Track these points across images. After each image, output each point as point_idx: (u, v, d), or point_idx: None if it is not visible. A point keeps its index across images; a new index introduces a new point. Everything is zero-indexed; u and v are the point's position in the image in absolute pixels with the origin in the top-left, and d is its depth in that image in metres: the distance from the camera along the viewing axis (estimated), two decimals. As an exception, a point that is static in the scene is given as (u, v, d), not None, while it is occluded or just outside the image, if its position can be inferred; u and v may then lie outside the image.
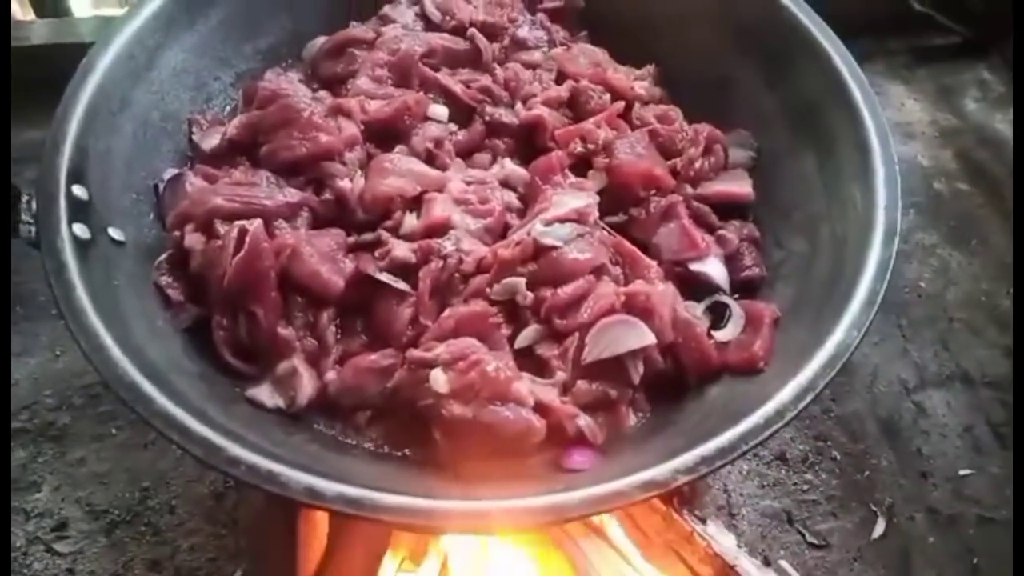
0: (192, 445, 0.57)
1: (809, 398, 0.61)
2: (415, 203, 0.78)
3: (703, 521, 1.01)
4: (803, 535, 1.19)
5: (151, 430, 1.20)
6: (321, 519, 0.99)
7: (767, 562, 1.11)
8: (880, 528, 1.20)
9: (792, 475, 1.25)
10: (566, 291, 0.70)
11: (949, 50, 1.88)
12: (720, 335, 0.75)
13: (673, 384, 0.73)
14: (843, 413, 1.32)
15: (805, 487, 1.24)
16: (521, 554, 0.95)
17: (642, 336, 0.69)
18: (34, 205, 0.66)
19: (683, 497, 1.02)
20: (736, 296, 0.79)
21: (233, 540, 1.13)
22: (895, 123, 1.78)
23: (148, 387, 0.59)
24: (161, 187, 0.79)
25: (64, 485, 1.19)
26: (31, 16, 1.71)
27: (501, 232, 0.77)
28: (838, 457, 1.27)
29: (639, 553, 0.98)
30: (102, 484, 1.19)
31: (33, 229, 0.65)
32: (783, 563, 1.02)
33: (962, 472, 1.26)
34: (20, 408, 1.25)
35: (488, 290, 0.71)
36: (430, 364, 0.66)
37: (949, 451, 1.29)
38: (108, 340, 0.60)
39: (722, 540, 0.99)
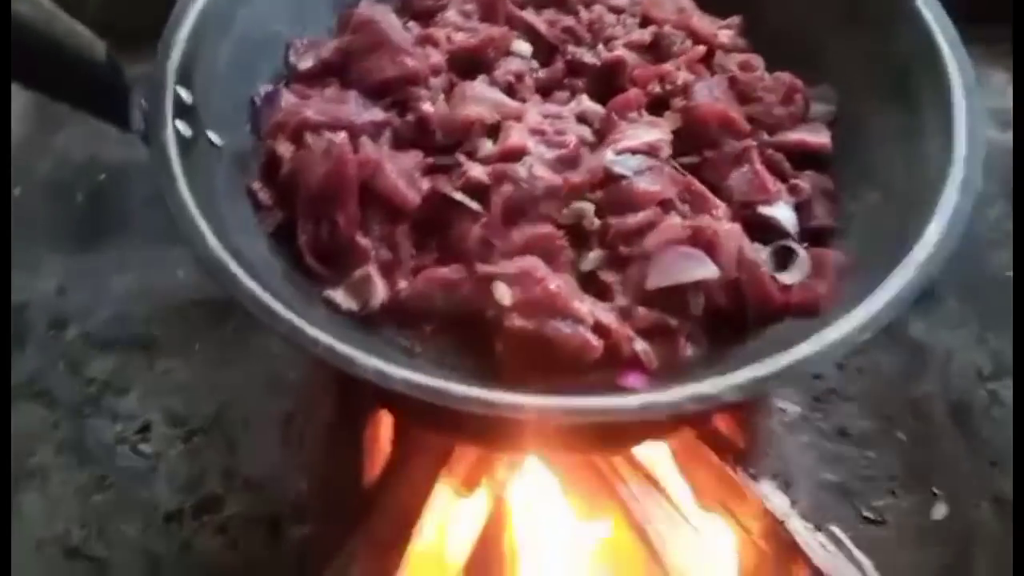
0: (277, 324, 0.61)
1: (868, 334, 0.61)
2: (493, 130, 0.81)
3: (755, 479, 1.01)
4: (859, 510, 1.18)
5: (232, 348, 1.28)
6: (384, 439, 1.04)
7: (819, 528, 1.11)
8: (941, 511, 1.17)
9: (853, 450, 1.24)
10: (633, 219, 0.72)
11: (1061, 37, 1.80)
12: (784, 277, 0.75)
13: (734, 322, 0.74)
14: (912, 394, 1.29)
15: (865, 463, 1.23)
16: (574, 495, 0.98)
17: (705, 268, 0.70)
18: (144, 101, 0.72)
19: (738, 454, 1.02)
20: (805, 244, 0.79)
21: (300, 457, 1.19)
22: (994, 110, 1.71)
23: (239, 271, 0.64)
24: (258, 101, 0.84)
25: (150, 393, 1.27)
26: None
27: (574, 163, 0.79)
28: (903, 438, 1.25)
29: (694, 504, 1.00)
30: (184, 395, 1.27)
31: (143, 124, 0.71)
32: (835, 529, 1.02)
33: (1033, 464, 1.22)
34: (114, 318, 1.34)
35: (556, 214, 0.73)
36: (495, 278, 0.69)
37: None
38: (206, 229, 0.65)
39: (774, 499, 0.99)
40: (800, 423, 1.27)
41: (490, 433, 0.81)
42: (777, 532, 0.94)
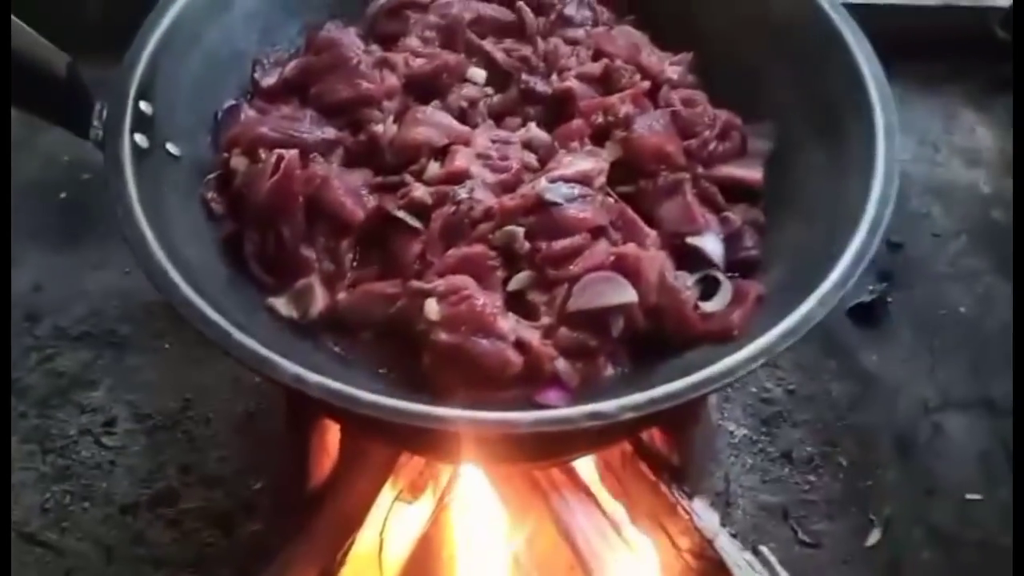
0: (206, 328, 0.65)
1: (761, 360, 0.65)
2: (441, 153, 0.85)
3: (689, 497, 1.04)
4: (796, 532, 1.22)
5: (199, 347, 1.31)
6: (332, 444, 1.07)
7: (753, 550, 1.14)
8: (875, 536, 1.21)
9: (795, 474, 1.28)
10: (561, 244, 0.76)
11: (1031, 80, 1.84)
12: (707, 306, 0.79)
13: (655, 345, 0.78)
14: (857, 422, 1.33)
15: (806, 487, 1.27)
16: (510, 501, 1.02)
17: (625, 293, 0.74)
18: (104, 112, 0.76)
19: (674, 472, 1.06)
20: (733, 274, 0.83)
21: (257, 456, 1.23)
22: (963, 148, 1.76)
23: (177, 276, 0.68)
24: (220, 114, 0.88)
25: (117, 387, 1.32)
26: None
27: (515, 188, 0.82)
28: (844, 463, 1.29)
29: (626, 515, 1.03)
30: (150, 391, 1.31)
31: (101, 133, 0.75)
32: (764, 549, 1.05)
33: (970, 496, 1.26)
34: (88, 314, 1.39)
35: (490, 236, 0.77)
36: (427, 294, 0.73)
37: (960, 474, 1.28)
38: (148, 232, 0.69)
39: (704, 516, 1.02)
40: (746, 444, 1.31)
41: (425, 442, 0.84)
42: (705, 550, 0.98)
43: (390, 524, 1.02)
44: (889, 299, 1.48)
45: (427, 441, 0.80)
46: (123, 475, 1.22)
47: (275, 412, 1.25)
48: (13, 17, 0.67)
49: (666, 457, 1.04)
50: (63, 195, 1.54)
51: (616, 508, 1.00)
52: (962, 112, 1.84)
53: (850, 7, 0.89)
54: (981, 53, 1.84)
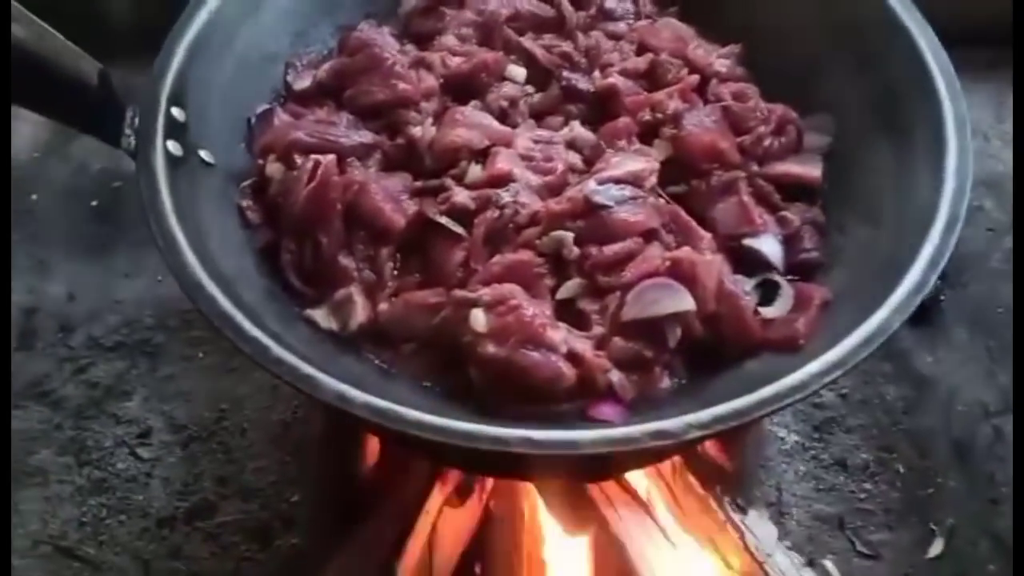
0: (243, 343, 0.62)
1: (836, 373, 0.61)
2: (482, 155, 0.81)
3: (743, 511, 1.00)
4: (853, 543, 1.16)
5: (235, 356, 1.29)
6: (373, 451, 1.04)
7: (811, 562, 1.09)
8: (938, 547, 1.15)
9: (850, 482, 1.22)
10: (612, 249, 0.72)
11: (1086, 66, 1.76)
12: (767, 312, 0.75)
13: (713, 354, 0.74)
14: (914, 427, 1.28)
15: (863, 496, 1.21)
16: (562, 515, 0.98)
17: (682, 301, 0.70)
18: (136, 120, 0.73)
19: (726, 482, 1.02)
20: (793, 278, 0.79)
21: (295, 467, 1.21)
22: (1012, 140, 1.69)
23: (213, 288, 0.65)
24: (253, 120, 0.85)
25: (152, 397, 1.30)
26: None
27: (560, 190, 0.79)
28: (902, 471, 1.23)
29: (678, 530, 0.99)
30: (186, 401, 1.29)
31: (133, 141, 0.73)
32: (827, 563, 1.00)
33: (1037, 504, 1.19)
34: (121, 323, 1.37)
35: (537, 242, 0.74)
36: (472, 304, 0.70)
37: (1026, 480, 1.22)
38: (183, 241, 0.67)
39: (759, 532, 0.98)
40: (798, 452, 1.25)
41: (475, 459, 0.81)
42: (757, 571, 0.93)
43: (439, 530, 0.99)
44: (943, 297, 1.42)
45: (477, 458, 0.77)
46: (159, 487, 1.20)
47: (313, 421, 1.23)
48: (44, 24, 0.65)
49: (717, 465, 1.00)
50: (95, 203, 1.53)
51: (668, 518, 0.96)
52: (1011, 101, 1.76)
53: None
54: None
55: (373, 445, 1.07)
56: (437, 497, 1.00)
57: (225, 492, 1.19)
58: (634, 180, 0.76)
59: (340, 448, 1.10)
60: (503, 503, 1.00)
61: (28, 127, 1.58)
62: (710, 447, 1.03)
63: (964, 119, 0.76)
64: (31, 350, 1.33)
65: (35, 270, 1.40)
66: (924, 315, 1.41)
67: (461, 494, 1.02)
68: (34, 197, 1.50)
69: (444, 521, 1.01)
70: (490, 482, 1.00)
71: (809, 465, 1.24)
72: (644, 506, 0.98)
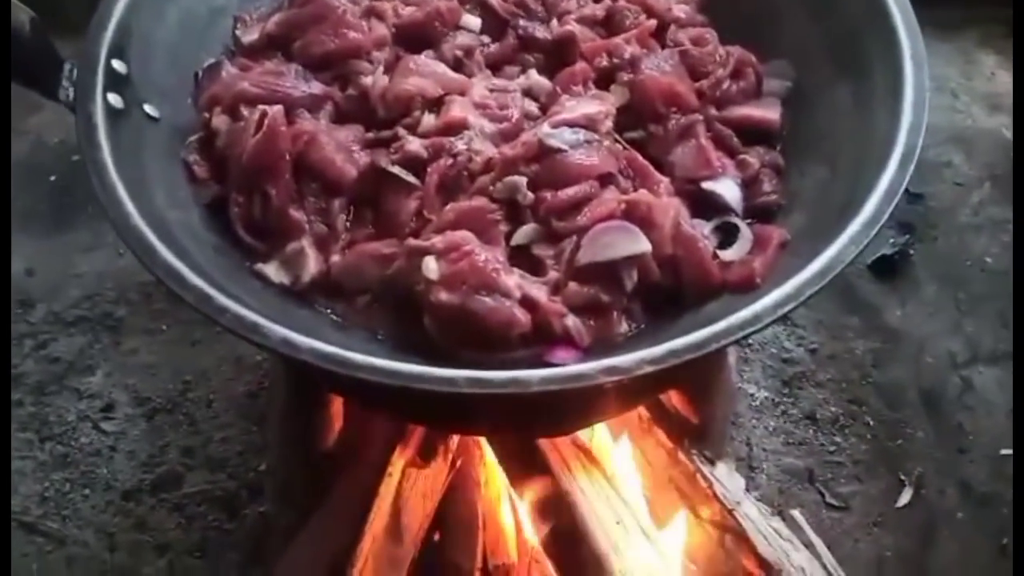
0: (186, 292, 0.61)
1: (789, 306, 0.60)
2: (436, 105, 0.79)
3: (711, 462, 1.00)
4: (823, 495, 1.17)
5: (198, 328, 1.27)
6: (338, 417, 1.03)
7: (780, 514, 1.10)
8: (906, 497, 1.16)
9: (820, 435, 1.23)
10: (567, 193, 0.71)
11: (1054, 21, 1.76)
12: (726, 255, 0.73)
13: (673, 299, 0.73)
14: (883, 380, 1.28)
15: (832, 449, 1.22)
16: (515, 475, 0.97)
17: (638, 243, 0.69)
18: (74, 72, 0.71)
19: (694, 436, 1.01)
20: (752, 221, 0.78)
21: (261, 436, 1.19)
22: (984, 93, 1.69)
23: (154, 240, 0.63)
24: (200, 73, 0.83)
25: (115, 372, 1.28)
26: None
27: (516, 137, 0.77)
28: (871, 423, 1.24)
29: (639, 484, 0.99)
30: (149, 374, 1.27)
31: (71, 93, 0.70)
32: (796, 513, 1.00)
33: (1003, 451, 1.21)
34: (82, 298, 1.34)
35: (491, 188, 0.72)
36: (425, 252, 0.68)
37: (992, 429, 1.23)
38: (124, 194, 0.65)
39: (728, 483, 0.98)
40: (768, 407, 1.26)
41: (431, 410, 0.80)
42: (727, 519, 0.93)
43: (405, 494, 0.98)
44: (911, 251, 1.43)
45: (432, 409, 0.75)
46: (124, 460, 1.18)
47: (277, 390, 1.21)
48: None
49: (685, 420, 0.99)
50: (53, 178, 1.50)
51: (630, 477, 0.96)
52: (980, 57, 1.77)
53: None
54: (1000, -3, 1.77)
55: (337, 410, 1.05)
56: (400, 460, 0.99)
57: (191, 463, 1.17)
58: (589, 123, 0.74)
59: (304, 415, 1.08)
60: (465, 465, 0.99)
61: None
62: (678, 402, 1.03)
63: (922, 57, 0.75)
64: (-11, 326, 1.30)
65: (-8, 246, 1.37)
66: (893, 269, 1.41)
67: (425, 456, 1.01)
68: (-11, 172, 1.47)
69: (411, 484, 1.00)
70: (454, 444, 0.99)
71: (779, 420, 1.25)
72: (599, 465, 0.98)
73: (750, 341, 1.32)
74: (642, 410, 0.98)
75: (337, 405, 1.03)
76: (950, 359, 1.30)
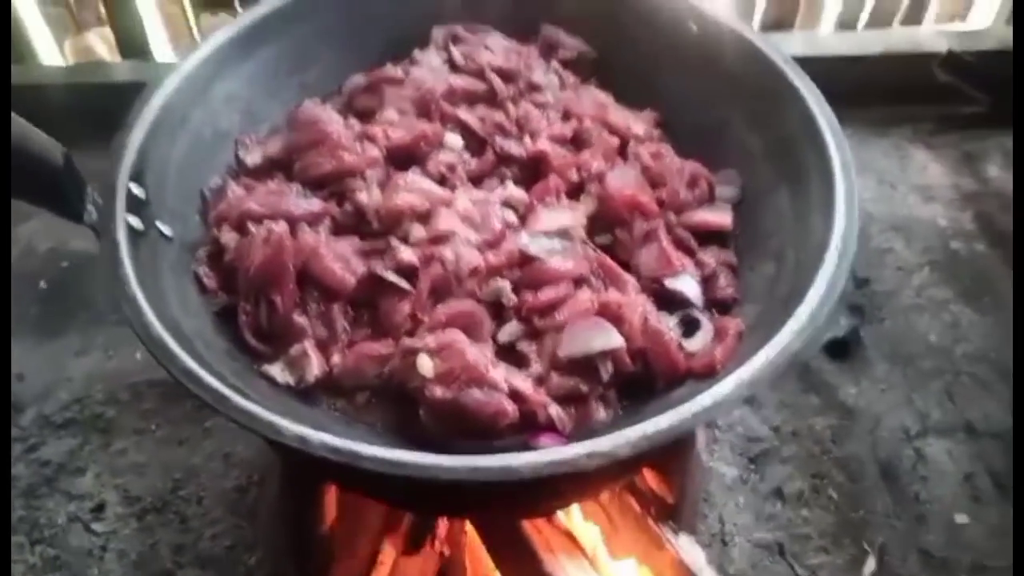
0: (204, 392, 0.67)
1: (744, 392, 0.68)
2: (425, 217, 0.88)
3: (676, 532, 1.05)
4: (793, 567, 1.23)
5: (186, 427, 1.31)
6: (329, 510, 1.07)
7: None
8: (871, 566, 1.23)
9: (788, 510, 1.29)
10: (546, 294, 0.79)
11: (974, 118, 1.94)
12: (689, 345, 0.82)
13: (644, 386, 0.80)
14: (842, 454, 1.36)
15: (799, 522, 1.28)
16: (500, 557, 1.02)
17: (611, 338, 0.77)
18: (98, 197, 0.79)
19: (665, 510, 1.07)
20: (711, 313, 0.86)
21: (251, 531, 1.22)
22: (917, 185, 1.84)
23: (174, 346, 0.69)
24: (207, 194, 0.91)
25: (105, 472, 1.30)
26: (118, 59, 1.91)
27: (498, 245, 0.86)
28: (834, 496, 1.31)
29: (606, 551, 1.04)
30: (139, 474, 1.30)
31: (95, 215, 0.77)
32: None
33: (959, 519, 1.28)
34: (72, 401, 1.38)
35: (478, 291, 0.80)
36: (419, 351, 0.76)
37: (947, 498, 1.31)
38: (145, 306, 0.71)
39: (691, 552, 1.03)
40: (737, 484, 1.32)
41: (429, 497, 0.85)
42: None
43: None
44: (862, 333, 1.53)
45: (427, 494, 0.81)
46: (114, 560, 1.20)
47: (267, 485, 1.25)
48: (14, 114, 0.70)
49: (657, 495, 1.05)
50: (43, 284, 1.55)
51: (600, 539, 1.01)
52: (914, 152, 1.93)
53: (799, 60, 0.95)
54: (925, 96, 1.95)
55: (329, 502, 1.10)
56: (390, 549, 1.04)
57: (182, 561, 1.20)
58: (563, 232, 0.83)
59: (296, 508, 1.12)
60: (453, 552, 1.03)
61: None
62: (651, 481, 1.09)
63: (849, 164, 0.85)
64: (-20, 432, 1.32)
65: (-17, 352, 1.41)
66: (846, 350, 1.51)
67: (414, 544, 1.05)
68: (-19, 281, 1.52)
69: (401, 573, 1.04)
70: (442, 531, 1.04)
71: (749, 496, 1.31)
72: (581, 547, 1.03)
73: (718, 424, 1.40)
74: (619, 489, 1.04)
75: (329, 497, 1.07)
76: (903, 432, 1.39)
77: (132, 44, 1.89)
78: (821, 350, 1.49)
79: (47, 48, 1.91)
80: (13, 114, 0.71)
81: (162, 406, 1.37)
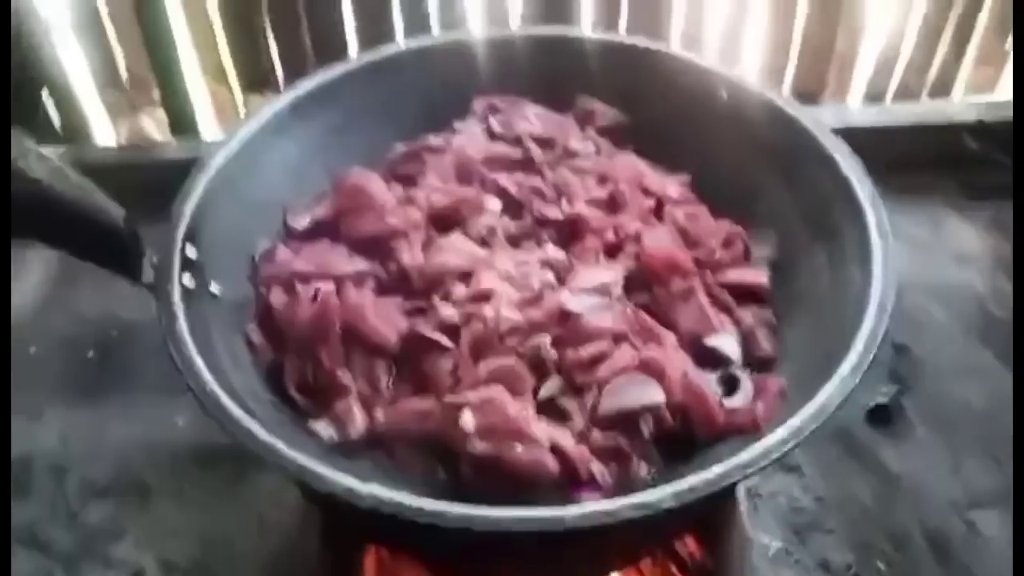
0: (257, 447, 0.68)
1: (790, 445, 0.68)
2: (466, 277, 0.90)
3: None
4: (843, 643, 1.18)
5: (223, 491, 1.32)
6: (368, 570, 1.06)
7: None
8: (925, 641, 1.17)
9: (835, 582, 1.25)
10: (587, 350, 0.80)
11: (1004, 186, 1.94)
12: (730, 402, 0.82)
13: (686, 443, 0.80)
14: (890, 525, 1.32)
15: (848, 595, 1.24)
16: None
17: (653, 394, 0.78)
18: (155, 258, 0.82)
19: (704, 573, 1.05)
20: (751, 370, 0.87)
21: (287, 597, 1.21)
22: (951, 251, 1.84)
23: (225, 398, 0.71)
24: (257, 257, 0.94)
25: (143, 538, 1.31)
26: (169, 138, 2.00)
27: (538, 303, 0.87)
28: (883, 568, 1.27)
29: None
30: (176, 540, 1.30)
31: (152, 275, 0.81)
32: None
33: (1015, 592, 1.23)
34: (112, 467, 1.40)
35: (518, 348, 0.82)
36: (461, 407, 0.77)
37: (1003, 571, 1.26)
38: (199, 359, 0.73)
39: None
40: (782, 556, 1.29)
41: (462, 556, 0.85)
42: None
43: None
44: (903, 399, 1.51)
45: (473, 555, 0.81)
46: (152, 628, 1.19)
47: (301, 550, 1.24)
48: (75, 173, 0.75)
49: (698, 561, 1.03)
50: (91, 353, 1.59)
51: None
52: (946, 220, 1.93)
53: (835, 130, 0.97)
54: (955, 165, 1.96)
55: (368, 568, 1.09)
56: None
57: (218, 627, 1.18)
58: (602, 289, 0.85)
59: (333, 571, 1.11)
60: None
61: (31, 281, 1.67)
62: (694, 549, 1.07)
63: (884, 220, 0.86)
64: (25, 496, 1.34)
65: (27, 417, 1.44)
66: (888, 418, 1.49)
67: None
68: (32, 349, 1.56)
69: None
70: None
71: (794, 569, 1.27)
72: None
73: (760, 492, 1.37)
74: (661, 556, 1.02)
75: (369, 561, 1.07)
76: (951, 502, 1.35)
77: (182, 124, 1.98)
78: (863, 418, 1.47)
79: (102, 130, 2.01)
80: (75, 172, 0.75)
81: (199, 472, 1.38)
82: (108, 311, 1.62)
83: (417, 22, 1.86)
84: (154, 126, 2.09)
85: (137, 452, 1.42)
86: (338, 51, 1.86)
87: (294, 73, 1.82)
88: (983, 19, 2.03)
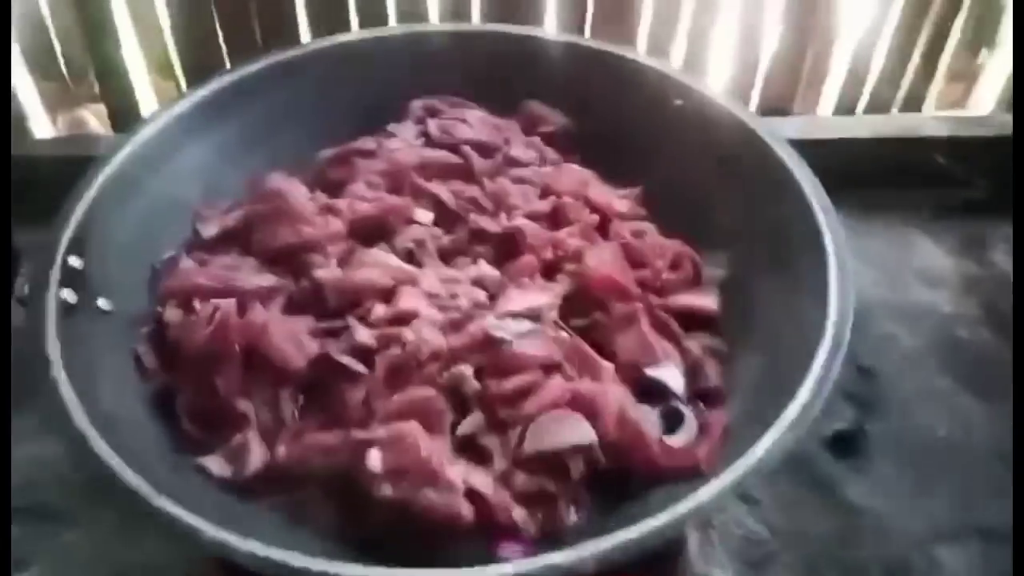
0: (120, 490, 0.59)
1: (730, 496, 0.61)
2: (388, 295, 0.82)
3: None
4: None
5: (137, 519, 1.22)
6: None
7: None
8: None
9: (790, 621, 1.18)
10: (512, 382, 0.72)
11: (973, 204, 1.90)
12: (672, 440, 0.75)
13: (620, 485, 0.73)
14: (849, 559, 1.25)
15: (803, 634, 1.17)
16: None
17: (584, 433, 0.70)
18: (30, 270, 0.73)
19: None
20: (695, 405, 0.79)
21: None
22: (918, 271, 1.78)
23: (94, 436, 0.63)
24: (158, 266, 0.85)
25: (51, 566, 1.20)
26: (110, 132, 1.90)
27: (464, 327, 0.79)
28: (840, 605, 1.20)
29: None
30: (87, 568, 1.20)
31: (26, 289, 0.72)
32: None
33: (977, 634, 1.17)
34: (21, 487, 1.29)
35: (438, 378, 0.73)
36: (368, 444, 0.68)
37: (963, 610, 1.20)
38: (67, 387, 0.65)
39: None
40: (735, 593, 1.21)
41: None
42: None
43: None
44: (866, 426, 1.44)
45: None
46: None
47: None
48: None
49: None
50: (7, 360, 1.48)
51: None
52: (914, 238, 1.87)
53: (796, 142, 0.91)
54: (924, 181, 1.91)
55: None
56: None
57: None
58: (533, 314, 0.77)
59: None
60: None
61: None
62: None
63: (843, 246, 0.80)
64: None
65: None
66: (849, 446, 1.42)
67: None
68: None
69: None
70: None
71: (748, 606, 1.20)
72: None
73: (711, 523, 1.30)
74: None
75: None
76: (913, 537, 1.28)
77: (124, 118, 1.88)
78: (822, 445, 1.40)
79: (39, 121, 1.90)
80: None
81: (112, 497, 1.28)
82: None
83: (374, 16, 1.78)
84: (95, 120, 1.99)
85: (46, 474, 1.31)
86: (290, 45, 1.77)
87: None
88: (955, 35, 2.00)
